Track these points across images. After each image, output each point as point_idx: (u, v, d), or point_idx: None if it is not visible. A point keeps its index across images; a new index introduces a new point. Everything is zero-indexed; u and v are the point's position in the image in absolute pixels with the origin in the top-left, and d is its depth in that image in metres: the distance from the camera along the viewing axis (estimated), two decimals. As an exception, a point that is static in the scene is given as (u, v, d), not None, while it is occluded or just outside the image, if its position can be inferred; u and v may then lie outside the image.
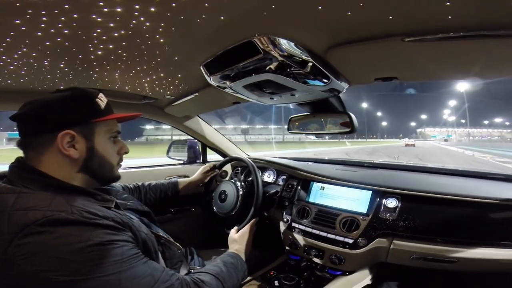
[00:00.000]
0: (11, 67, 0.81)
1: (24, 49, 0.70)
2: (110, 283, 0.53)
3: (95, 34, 0.65)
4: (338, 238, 1.11)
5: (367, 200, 1.15)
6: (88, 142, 0.65)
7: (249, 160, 1.32)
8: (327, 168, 1.48)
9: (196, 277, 0.70)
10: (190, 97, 1.12)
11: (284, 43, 0.62)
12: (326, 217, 1.19)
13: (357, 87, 0.88)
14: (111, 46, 0.72)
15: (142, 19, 0.58)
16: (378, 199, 1.13)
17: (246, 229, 1.07)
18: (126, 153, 0.76)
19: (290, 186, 1.39)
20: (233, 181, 1.33)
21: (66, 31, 0.62)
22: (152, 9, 0.55)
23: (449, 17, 0.50)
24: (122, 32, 0.64)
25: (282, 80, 0.75)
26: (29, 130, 0.62)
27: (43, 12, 0.54)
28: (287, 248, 1.26)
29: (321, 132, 1.11)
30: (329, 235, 1.13)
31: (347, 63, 0.72)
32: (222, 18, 0.57)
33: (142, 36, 0.66)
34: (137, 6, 0.54)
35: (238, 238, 1.03)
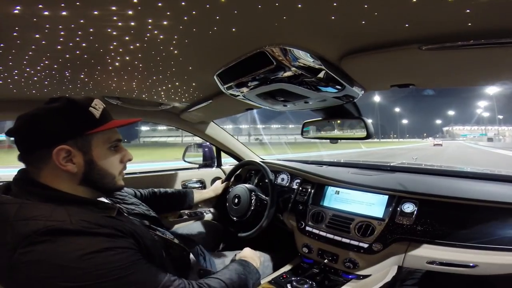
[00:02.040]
0: (35, 78, 0.83)
1: (46, 61, 0.72)
2: None
3: (111, 47, 0.65)
4: (352, 242, 1.07)
5: (383, 204, 1.11)
6: (85, 155, 0.61)
7: (262, 164, 1.30)
8: (342, 171, 1.43)
9: (205, 282, 0.69)
10: (204, 104, 1.12)
11: (296, 52, 0.61)
12: (341, 221, 1.15)
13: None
14: (127, 58, 0.73)
15: (155, 32, 0.58)
16: (394, 204, 1.08)
17: (255, 254, 1.03)
18: (130, 160, 0.71)
19: (304, 190, 1.36)
20: (247, 185, 1.32)
21: (84, 44, 0.63)
22: (165, 23, 0.54)
23: (469, 24, 0.46)
24: (138, 44, 0.64)
25: (295, 89, 0.73)
26: (24, 146, 0.60)
27: (60, 26, 0.54)
28: (300, 251, 1.23)
29: (335, 137, 1.08)
30: (344, 240, 1.09)
31: (362, 71, 0.69)
32: (233, 30, 0.56)
33: (157, 48, 0.66)
34: (150, 20, 0.54)
35: (250, 256, 0.98)
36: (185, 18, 0.52)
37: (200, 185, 1.65)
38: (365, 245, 1.04)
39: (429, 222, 0.98)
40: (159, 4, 0.47)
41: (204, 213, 1.55)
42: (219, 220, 1.41)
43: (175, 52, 0.68)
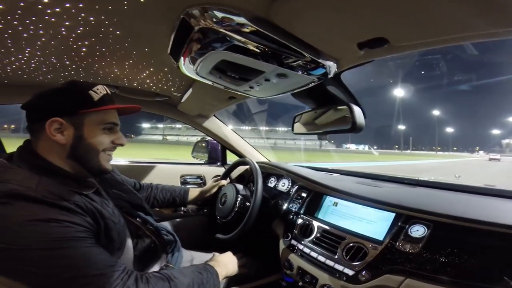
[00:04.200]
0: (37, 63, 0.96)
1: (43, 47, 0.82)
2: (38, 258, 0.56)
3: (64, 33, 0.72)
4: (337, 266, 0.90)
5: (386, 224, 0.90)
6: (76, 130, 0.70)
7: (253, 162, 1.23)
8: (347, 180, 1.24)
9: (149, 276, 0.70)
10: (188, 93, 1.13)
11: (216, 11, 0.54)
12: (330, 238, 0.99)
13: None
14: (87, 43, 0.79)
15: (83, 15, 0.62)
16: (399, 224, 0.87)
17: (233, 260, 1.03)
18: (122, 145, 0.79)
19: (299, 197, 1.22)
20: (236, 185, 1.27)
21: (51, 31, 0.71)
22: (81, 5, 0.57)
23: None
24: (82, 29, 0.70)
25: (238, 59, 0.66)
26: (28, 118, 0.71)
27: (36, 16, 0.62)
28: (282, 266, 1.10)
29: (321, 131, 0.93)
30: (328, 261, 0.93)
31: (302, 22, 0.54)
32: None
33: (99, 31, 0.71)
34: (68, 5, 0.57)
35: (223, 262, 0.98)
36: None
37: (200, 181, 1.67)
38: (350, 272, 0.86)
39: (442, 252, 0.75)
40: None
41: (201, 211, 1.55)
42: (208, 219, 1.39)
43: (117, 33, 0.72)
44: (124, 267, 0.66)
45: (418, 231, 0.82)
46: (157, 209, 1.37)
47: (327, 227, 1.03)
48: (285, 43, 0.58)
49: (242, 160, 1.36)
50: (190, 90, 1.09)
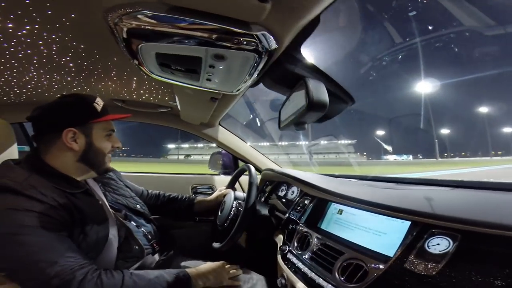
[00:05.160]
0: (45, 85, 1.06)
1: (37, 65, 0.90)
2: (2, 241, 0.63)
3: (46, 51, 0.79)
4: (330, 288, 0.70)
5: (399, 235, 0.68)
6: (87, 138, 0.82)
7: (251, 168, 1.12)
8: (358, 184, 1.01)
9: (101, 272, 0.70)
10: (178, 99, 1.12)
11: (123, 14, 0.51)
12: (327, 253, 0.79)
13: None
14: (68, 58, 0.85)
15: (45, 34, 0.67)
16: (414, 236, 0.64)
17: (219, 272, 0.94)
18: (119, 148, 0.91)
19: (301, 205, 1.05)
20: (235, 192, 1.18)
21: (35, 50, 0.78)
22: (37, 26, 0.63)
23: None
24: (54, 46, 0.75)
25: (168, 49, 0.60)
26: (39, 129, 0.81)
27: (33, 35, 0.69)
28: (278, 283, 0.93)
29: (293, 118, 0.77)
30: (321, 281, 0.74)
31: None
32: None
33: (68, 46, 0.75)
34: (28, 27, 0.63)
35: (204, 271, 0.92)
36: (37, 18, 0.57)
37: (212, 191, 1.63)
38: (346, 297, 0.65)
39: (474, 275, 0.51)
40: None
41: (209, 220, 1.48)
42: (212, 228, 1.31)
43: (83, 46, 0.76)
44: (83, 260, 0.68)
45: (439, 245, 0.59)
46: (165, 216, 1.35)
47: (326, 239, 0.84)
48: (192, 20, 0.51)
49: (242, 167, 1.26)
50: (177, 96, 1.08)
